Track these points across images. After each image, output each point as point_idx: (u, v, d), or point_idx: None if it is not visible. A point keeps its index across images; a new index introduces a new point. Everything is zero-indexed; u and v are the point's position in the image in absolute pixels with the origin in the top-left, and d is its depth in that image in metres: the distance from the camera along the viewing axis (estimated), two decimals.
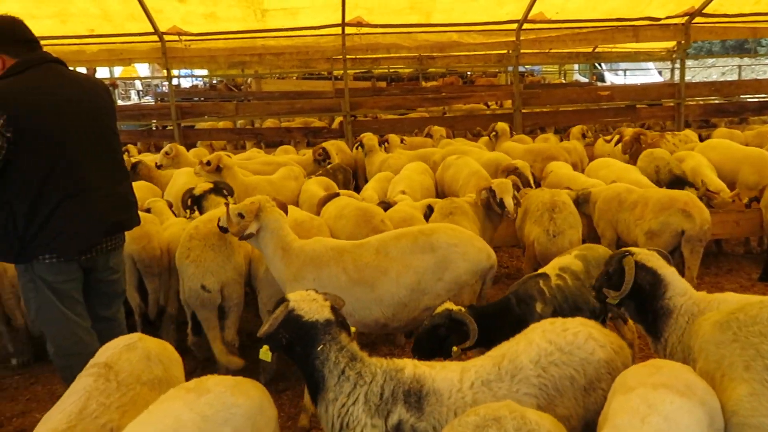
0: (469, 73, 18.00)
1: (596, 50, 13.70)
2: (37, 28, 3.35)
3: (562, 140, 8.70)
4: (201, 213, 4.66)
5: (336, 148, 8.54)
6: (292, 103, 11.18)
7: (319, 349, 2.36)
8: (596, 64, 19.61)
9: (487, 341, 3.11)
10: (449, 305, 3.02)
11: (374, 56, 11.60)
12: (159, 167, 6.97)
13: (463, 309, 3.01)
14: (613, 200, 5.13)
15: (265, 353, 2.40)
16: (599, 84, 17.59)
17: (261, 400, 2.27)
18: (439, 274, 3.55)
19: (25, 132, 3.01)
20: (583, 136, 8.55)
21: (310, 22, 9.28)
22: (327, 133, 10.27)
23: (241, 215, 3.59)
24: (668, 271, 2.83)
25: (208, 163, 5.96)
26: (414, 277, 3.55)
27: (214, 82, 17.96)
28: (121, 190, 3.49)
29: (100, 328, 3.43)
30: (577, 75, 20.49)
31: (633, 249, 2.94)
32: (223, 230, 3.78)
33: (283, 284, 3.67)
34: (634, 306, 2.89)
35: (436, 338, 2.97)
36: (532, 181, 5.86)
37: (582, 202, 5.25)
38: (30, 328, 4.60)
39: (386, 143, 8.08)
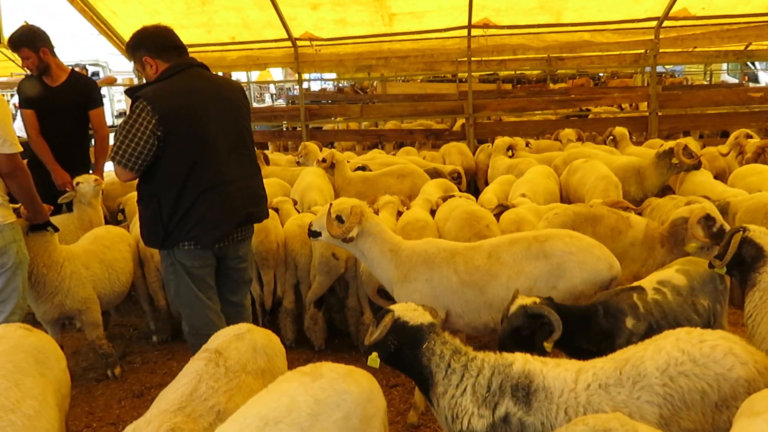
0: (601, 74, 17.15)
1: (749, 48, 12.45)
2: (186, 37, 3.67)
3: (704, 146, 8.00)
4: None
5: (457, 150, 8.52)
6: (415, 105, 11.29)
7: (425, 346, 2.47)
8: (748, 63, 17.83)
9: (559, 342, 2.93)
10: (522, 300, 2.85)
11: (500, 58, 11.37)
12: (298, 164, 7.62)
13: (537, 300, 2.83)
14: (758, 212, 4.62)
15: (373, 360, 2.55)
16: (751, 85, 15.99)
17: (371, 390, 2.33)
18: (552, 282, 3.42)
19: (172, 131, 3.30)
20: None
21: (436, 25, 9.32)
22: (448, 135, 10.26)
23: (339, 218, 3.63)
24: None
25: (324, 161, 6.64)
26: (525, 284, 3.44)
27: (342, 85, 18.62)
28: (253, 185, 3.73)
29: (227, 312, 3.71)
30: (725, 75, 18.75)
31: (749, 226, 3.13)
32: (314, 234, 3.77)
33: (391, 285, 3.69)
34: (739, 277, 3.11)
35: (521, 340, 2.82)
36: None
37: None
38: (170, 308, 5.06)
39: (512, 148, 7.91)
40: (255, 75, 18.01)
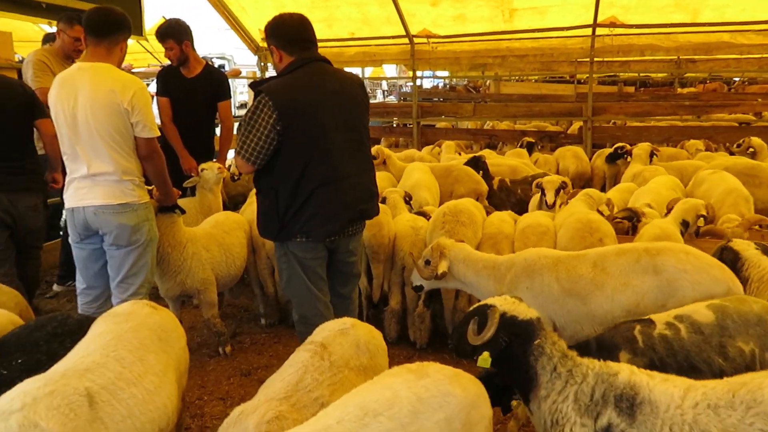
0: (736, 79, 15.81)
1: None
2: None
3: None
4: None
5: (572, 153, 8.19)
6: (530, 106, 10.95)
7: (536, 343, 2.41)
8: None
9: None
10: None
11: (624, 59, 10.78)
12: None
13: None
14: None
15: (484, 360, 2.46)
16: None
17: (477, 396, 2.27)
18: (662, 300, 3.17)
19: (291, 126, 3.35)
20: None
21: (559, 23, 8.97)
22: (563, 138, 9.88)
23: (427, 262, 3.77)
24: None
25: (375, 158, 6.75)
26: (632, 298, 3.23)
27: (455, 83, 18.47)
28: (366, 181, 3.71)
29: (335, 303, 3.76)
30: None
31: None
32: (418, 289, 3.99)
33: None
34: None
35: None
36: None
37: None
38: (280, 295, 5.24)
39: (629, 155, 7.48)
40: (368, 71, 18.30)
